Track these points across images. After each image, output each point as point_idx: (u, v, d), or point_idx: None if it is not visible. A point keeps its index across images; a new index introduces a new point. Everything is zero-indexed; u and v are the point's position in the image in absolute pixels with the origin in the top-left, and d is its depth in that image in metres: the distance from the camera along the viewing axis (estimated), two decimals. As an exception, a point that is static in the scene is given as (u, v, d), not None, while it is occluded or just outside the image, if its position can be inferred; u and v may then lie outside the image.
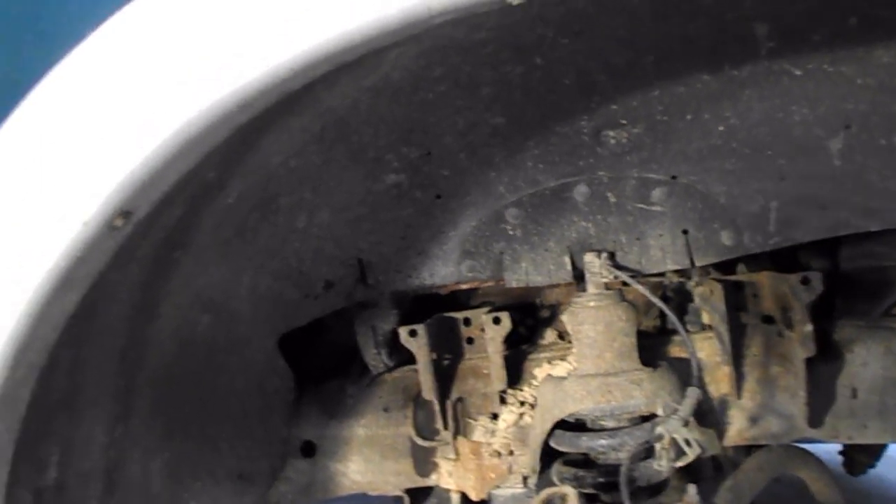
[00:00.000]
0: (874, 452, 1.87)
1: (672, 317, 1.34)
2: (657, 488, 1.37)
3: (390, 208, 1.39)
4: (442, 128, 1.25)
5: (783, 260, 1.60)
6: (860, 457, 1.88)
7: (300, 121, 1.08)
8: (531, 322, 1.81)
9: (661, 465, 1.22)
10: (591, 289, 1.41)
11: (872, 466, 1.90)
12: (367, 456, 1.62)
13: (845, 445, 1.90)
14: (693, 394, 1.24)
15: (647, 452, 1.33)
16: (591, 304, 1.39)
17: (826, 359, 1.46)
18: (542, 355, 1.60)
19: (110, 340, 1.03)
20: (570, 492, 1.13)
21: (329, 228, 1.38)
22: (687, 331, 1.53)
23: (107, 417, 1.07)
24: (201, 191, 1.01)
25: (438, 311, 1.63)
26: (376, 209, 1.38)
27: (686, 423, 1.25)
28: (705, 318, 1.54)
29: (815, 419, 1.45)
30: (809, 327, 1.40)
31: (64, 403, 0.95)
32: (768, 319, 1.51)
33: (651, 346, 1.52)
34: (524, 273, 1.46)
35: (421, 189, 1.37)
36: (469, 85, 1.16)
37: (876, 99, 1.15)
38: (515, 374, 1.58)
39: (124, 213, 0.71)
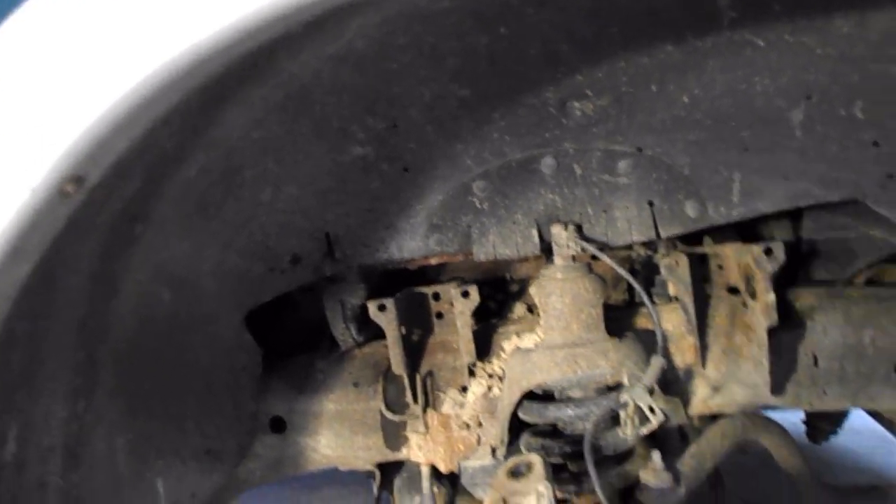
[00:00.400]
0: (835, 420, 1.92)
1: (636, 286, 1.35)
2: (623, 456, 1.39)
3: (357, 181, 1.37)
4: (407, 99, 1.23)
5: (749, 233, 1.62)
6: (822, 424, 1.93)
7: (262, 91, 1.06)
8: (501, 297, 1.82)
9: (626, 432, 1.23)
10: (558, 261, 1.42)
11: (835, 434, 1.95)
12: (337, 431, 1.62)
13: (807, 413, 1.95)
14: (657, 362, 1.26)
15: (614, 421, 1.35)
16: (559, 275, 1.40)
17: (788, 328, 1.49)
18: (511, 328, 1.61)
19: (69, 313, 1.01)
20: (536, 459, 1.14)
21: (295, 202, 1.36)
22: (653, 302, 1.55)
23: (67, 392, 1.05)
24: (160, 161, 0.99)
25: (408, 287, 1.63)
26: (343, 182, 1.37)
27: (651, 392, 1.27)
28: (671, 290, 1.56)
29: (778, 387, 1.49)
30: (772, 297, 1.42)
31: (22, 377, 0.93)
32: (733, 290, 1.54)
33: (619, 318, 1.54)
34: (492, 246, 1.46)
35: (387, 162, 1.35)
36: (433, 55, 1.14)
37: (835, 69, 1.16)
38: (484, 347, 1.58)
39: (75, 178, 0.69)
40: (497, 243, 1.46)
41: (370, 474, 1.71)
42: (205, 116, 0.98)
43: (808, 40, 1.13)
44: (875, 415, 1.81)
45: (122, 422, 1.20)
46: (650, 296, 1.57)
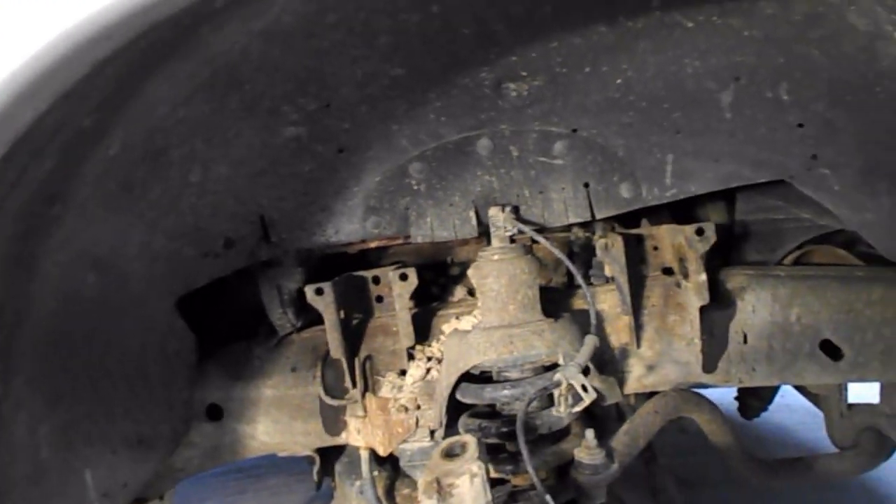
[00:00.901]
0: (765, 397, 1.98)
1: (570, 265, 1.36)
2: (559, 435, 1.40)
3: (291, 162, 1.35)
4: (340, 78, 1.21)
5: (686, 217, 1.65)
6: (752, 401, 1.98)
7: (186, 66, 1.02)
8: (443, 281, 1.82)
9: (560, 411, 1.24)
10: (495, 242, 1.42)
11: (765, 410, 2.01)
12: (275, 417, 1.60)
13: (739, 391, 2.01)
14: (590, 341, 1.27)
15: (550, 401, 1.36)
16: (495, 257, 1.40)
17: (719, 307, 1.52)
18: (451, 311, 1.61)
19: (-19, 297, 0.97)
20: (470, 439, 1.14)
21: (227, 183, 1.33)
22: (590, 283, 1.56)
23: (-18, 379, 1.01)
24: (77, 139, 0.95)
25: (349, 272, 1.61)
26: (276, 163, 1.34)
27: (587, 371, 1.28)
28: (607, 271, 1.57)
29: (710, 365, 1.52)
30: (703, 276, 1.45)
31: (-71, 364, 0.89)
32: (668, 271, 1.56)
33: (557, 300, 1.55)
34: (429, 228, 1.46)
35: (322, 142, 1.33)
36: (365, 33, 1.13)
37: (762, 51, 1.18)
38: (424, 330, 1.58)
39: (-27, 152, 0.66)
40: (435, 225, 1.46)
41: (310, 460, 1.69)
42: (124, 91, 0.95)
43: (735, 22, 1.15)
44: (801, 390, 1.87)
45: (44, 409, 1.16)
46: (587, 278, 1.59)
